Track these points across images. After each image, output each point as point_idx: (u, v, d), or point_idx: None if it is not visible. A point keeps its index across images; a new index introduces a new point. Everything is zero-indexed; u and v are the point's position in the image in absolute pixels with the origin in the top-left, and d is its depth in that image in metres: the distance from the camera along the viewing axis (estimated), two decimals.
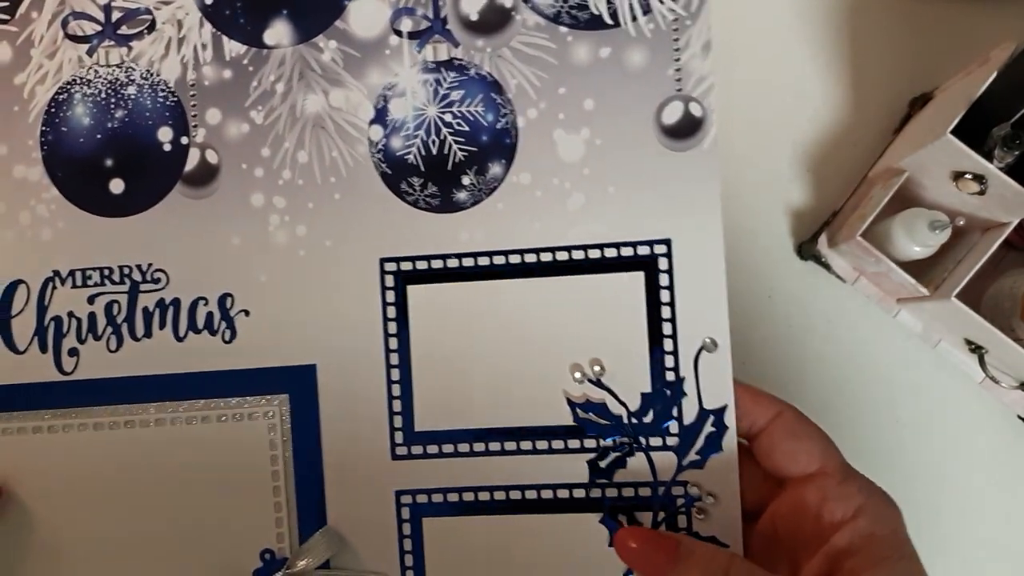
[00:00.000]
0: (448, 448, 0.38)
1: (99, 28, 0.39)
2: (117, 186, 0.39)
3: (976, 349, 0.47)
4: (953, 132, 0.40)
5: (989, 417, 0.50)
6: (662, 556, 0.35)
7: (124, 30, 0.39)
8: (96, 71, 0.39)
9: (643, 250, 0.37)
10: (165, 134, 0.39)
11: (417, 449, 0.38)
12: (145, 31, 0.39)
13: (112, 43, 0.39)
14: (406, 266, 0.38)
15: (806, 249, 0.51)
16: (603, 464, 0.38)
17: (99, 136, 0.39)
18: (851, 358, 0.51)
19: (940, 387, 0.50)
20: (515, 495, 0.38)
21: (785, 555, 0.36)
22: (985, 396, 0.50)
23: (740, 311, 0.51)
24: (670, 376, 0.37)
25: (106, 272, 0.39)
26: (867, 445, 0.50)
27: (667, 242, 0.37)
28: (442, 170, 0.38)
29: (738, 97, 0.52)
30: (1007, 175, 0.40)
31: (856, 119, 0.51)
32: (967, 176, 0.42)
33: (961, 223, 0.46)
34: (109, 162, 0.39)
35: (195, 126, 0.39)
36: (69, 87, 0.39)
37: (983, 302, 0.47)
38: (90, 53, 0.39)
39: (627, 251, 0.37)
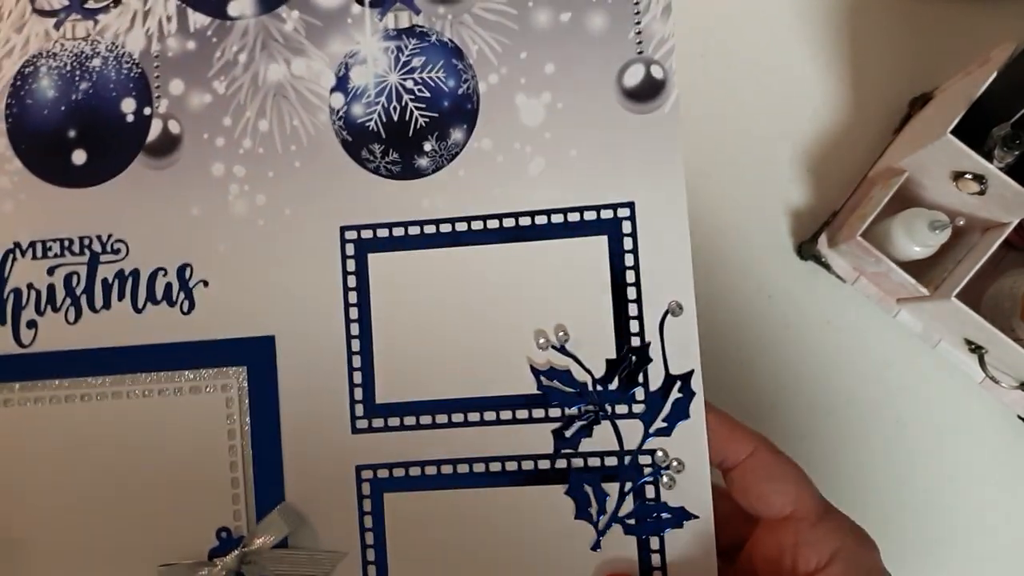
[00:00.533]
0: (410, 420, 0.37)
1: (67, 2, 0.40)
2: (80, 157, 0.39)
3: (976, 349, 0.47)
4: (953, 132, 0.40)
5: (989, 417, 0.50)
6: None
7: (91, 4, 0.40)
8: (62, 44, 0.40)
9: (606, 214, 0.37)
10: (128, 105, 0.39)
11: (378, 422, 0.37)
12: (111, 4, 0.39)
13: (79, 17, 0.40)
14: (366, 234, 0.38)
15: (806, 249, 0.50)
16: (568, 433, 0.36)
17: (63, 108, 0.39)
18: (851, 358, 0.50)
19: (940, 387, 0.50)
20: (479, 467, 0.37)
21: None
22: (985, 396, 0.50)
23: (739, 311, 0.51)
24: (635, 341, 0.36)
25: (66, 243, 0.39)
26: (867, 445, 0.50)
27: (630, 205, 0.37)
28: (403, 137, 0.38)
29: (738, 97, 0.52)
30: (1007, 175, 0.40)
31: (856, 119, 0.52)
32: (967, 176, 0.42)
33: (961, 223, 0.46)
34: (72, 133, 0.39)
35: (158, 97, 0.39)
36: (35, 60, 0.40)
37: (983, 302, 0.47)
38: (57, 27, 0.40)
39: (590, 215, 0.37)
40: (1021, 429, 0.49)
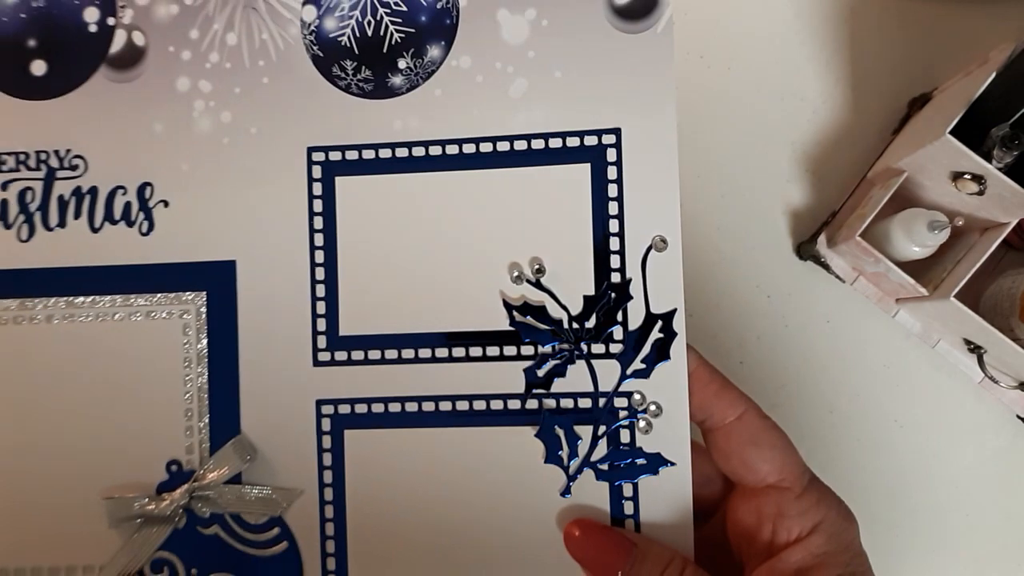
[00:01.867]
0: (375, 354, 0.35)
1: None
2: (39, 68, 0.37)
3: (975, 349, 0.47)
4: (952, 132, 0.40)
5: (988, 417, 0.50)
6: (615, 556, 0.32)
7: None
8: None
9: (590, 140, 0.34)
10: (91, 15, 0.37)
11: (341, 355, 0.35)
12: None
13: None
14: (335, 156, 0.36)
15: (805, 249, 0.50)
16: (541, 373, 0.34)
17: (23, 16, 0.37)
18: (850, 358, 0.50)
19: (939, 387, 0.50)
20: (445, 406, 0.35)
21: (733, 564, 0.34)
22: (984, 396, 0.49)
23: (738, 311, 0.50)
24: (615, 277, 0.34)
25: (22, 157, 0.37)
26: (866, 445, 0.49)
27: (616, 132, 0.34)
28: (377, 53, 0.35)
29: (738, 97, 0.51)
30: (1006, 175, 0.40)
31: (855, 119, 0.51)
32: (966, 176, 0.41)
33: (960, 223, 0.45)
34: (32, 43, 0.37)
35: (123, 7, 0.37)
36: None
37: (982, 302, 0.47)
38: None
39: (573, 141, 0.34)
40: (1020, 429, 0.49)
